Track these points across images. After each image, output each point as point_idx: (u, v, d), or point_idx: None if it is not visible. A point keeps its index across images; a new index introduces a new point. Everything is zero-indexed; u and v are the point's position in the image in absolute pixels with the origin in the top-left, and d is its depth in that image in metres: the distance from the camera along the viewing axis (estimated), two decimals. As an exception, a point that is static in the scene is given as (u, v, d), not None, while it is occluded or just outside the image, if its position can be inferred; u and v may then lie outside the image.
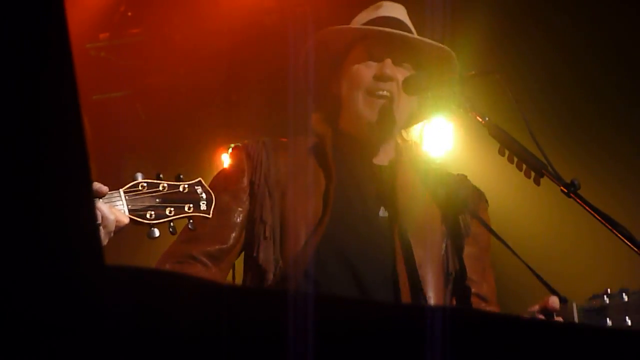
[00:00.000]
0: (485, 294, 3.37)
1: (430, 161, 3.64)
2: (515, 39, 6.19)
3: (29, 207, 1.10)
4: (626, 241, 2.98)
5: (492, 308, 3.37)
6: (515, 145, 3.16)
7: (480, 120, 3.22)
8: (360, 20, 3.47)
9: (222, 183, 3.26)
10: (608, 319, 3.06)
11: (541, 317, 3.06)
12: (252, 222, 3.22)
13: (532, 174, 3.12)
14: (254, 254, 3.17)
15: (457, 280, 3.30)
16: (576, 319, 3.04)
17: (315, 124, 3.46)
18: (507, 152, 3.17)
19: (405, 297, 3.13)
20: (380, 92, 3.30)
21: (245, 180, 3.26)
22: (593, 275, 5.71)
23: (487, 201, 3.51)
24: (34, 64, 1.08)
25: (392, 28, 3.37)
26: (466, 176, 3.54)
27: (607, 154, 6.11)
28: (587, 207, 3.04)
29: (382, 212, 3.27)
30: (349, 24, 3.50)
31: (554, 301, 3.06)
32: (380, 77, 3.31)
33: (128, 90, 7.09)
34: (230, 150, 3.44)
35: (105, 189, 2.60)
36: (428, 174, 3.44)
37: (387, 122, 3.32)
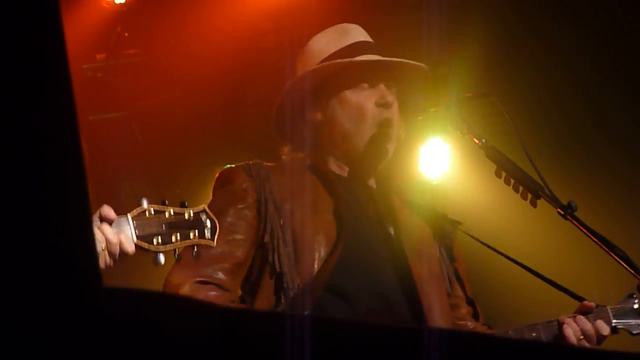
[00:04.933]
0: (463, 314, 3.39)
1: (408, 183, 3.64)
2: (511, 61, 6.20)
3: (25, 228, 1.09)
4: (623, 264, 2.99)
5: (480, 327, 3.38)
6: (511, 167, 3.16)
7: (477, 142, 3.23)
8: (329, 45, 3.40)
9: (228, 201, 3.20)
10: None
11: (580, 318, 3.12)
12: (262, 239, 3.17)
13: (529, 195, 3.12)
14: (270, 271, 3.13)
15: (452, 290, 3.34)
16: (612, 321, 3.13)
17: (289, 154, 3.43)
18: (503, 174, 3.17)
19: (427, 310, 3.14)
20: (386, 121, 3.29)
21: (250, 199, 3.20)
22: (592, 294, 5.70)
23: (460, 222, 3.52)
24: (32, 84, 1.08)
25: (369, 52, 3.36)
26: (434, 207, 3.55)
27: (605, 176, 6.11)
28: (584, 230, 3.04)
29: (392, 231, 3.28)
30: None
31: (589, 304, 3.15)
32: (383, 104, 3.30)
33: (125, 111, 7.09)
34: (224, 170, 3.35)
35: (113, 215, 2.60)
36: (409, 195, 3.47)
37: (388, 148, 3.31)
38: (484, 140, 3.22)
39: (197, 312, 1.24)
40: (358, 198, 3.33)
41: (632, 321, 3.16)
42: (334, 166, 3.38)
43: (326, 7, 6.31)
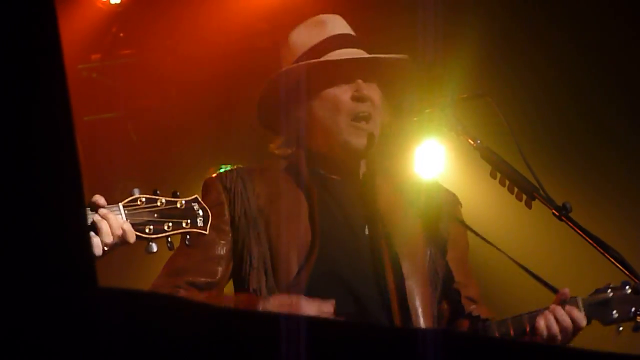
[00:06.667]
0: (473, 296, 3.39)
1: (400, 170, 3.63)
2: (506, 62, 6.20)
3: (20, 228, 1.09)
4: (618, 265, 2.99)
5: (481, 308, 3.37)
6: (506, 168, 3.16)
7: (472, 143, 3.23)
8: (306, 39, 3.40)
9: None
10: (614, 311, 3.09)
11: (558, 309, 3.08)
12: (238, 254, 3.21)
13: (524, 197, 3.13)
14: (245, 286, 3.17)
15: (445, 285, 3.32)
16: (582, 312, 3.08)
17: (279, 148, 3.44)
18: (498, 175, 3.17)
19: (396, 311, 3.14)
20: (361, 114, 3.29)
21: (226, 213, 3.23)
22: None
23: (460, 203, 3.50)
24: (28, 85, 1.08)
25: (346, 46, 3.35)
26: (437, 181, 3.56)
27: (600, 177, 6.11)
28: (578, 231, 3.04)
29: (366, 231, 3.28)
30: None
31: (565, 292, 3.11)
32: (358, 98, 3.29)
33: (120, 111, 7.09)
34: (205, 181, 3.37)
35: (103, 202, 2.60)
36: (402, 182, 3.46)
37: (369, 144, 3.31)
38: (479, 142, 3.22)
39: (192, 313, 1.24)
40: (339, 197, 3.32)
41: (604, 311, 3.12)
42: (316, 164, 3.37)
43: (321, 7, 6.30)
